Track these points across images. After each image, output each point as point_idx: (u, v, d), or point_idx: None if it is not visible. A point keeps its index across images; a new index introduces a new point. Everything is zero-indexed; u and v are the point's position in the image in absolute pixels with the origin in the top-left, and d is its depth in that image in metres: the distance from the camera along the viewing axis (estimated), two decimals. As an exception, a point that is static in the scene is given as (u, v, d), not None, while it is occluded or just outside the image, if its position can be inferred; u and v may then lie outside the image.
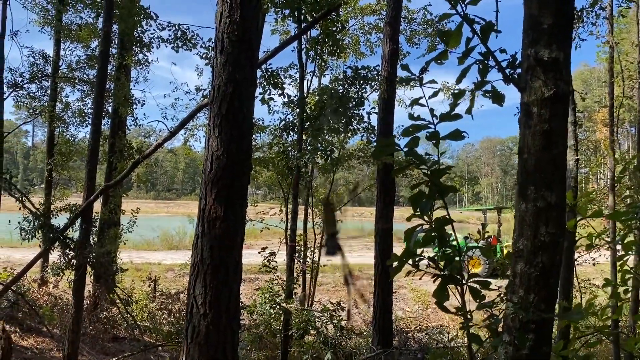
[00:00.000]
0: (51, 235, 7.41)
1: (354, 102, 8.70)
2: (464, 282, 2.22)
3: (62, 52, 13.34)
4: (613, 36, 9.74)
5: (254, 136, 10.56)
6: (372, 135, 9.18)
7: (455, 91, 2.28)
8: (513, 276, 2.08)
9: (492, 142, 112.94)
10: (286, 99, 9.17)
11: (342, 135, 9.53)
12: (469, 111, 2.29)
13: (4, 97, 9.74)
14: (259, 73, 8.43)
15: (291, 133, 9.47)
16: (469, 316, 2.21)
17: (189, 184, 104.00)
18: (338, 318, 8.49)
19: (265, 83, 8.86)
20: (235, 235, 4.04)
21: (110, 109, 12.41)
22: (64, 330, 8.41)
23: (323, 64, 11.38)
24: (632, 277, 3.07)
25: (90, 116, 9.99)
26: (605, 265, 14.24)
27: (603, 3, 9.15)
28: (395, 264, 2.19)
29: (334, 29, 8.85)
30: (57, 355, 8.26)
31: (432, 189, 2.14)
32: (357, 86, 8.82)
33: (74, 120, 13.42)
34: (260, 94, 8.79)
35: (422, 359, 9.57)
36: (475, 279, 2.25)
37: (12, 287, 8.64)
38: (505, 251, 15.22)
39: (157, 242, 25.23)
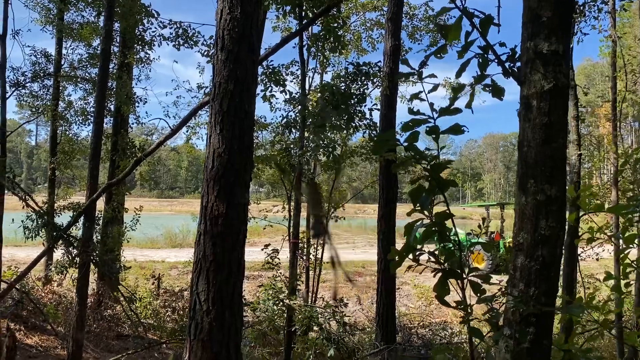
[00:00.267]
0: (54, 233, 7.45)
1: (355, 99, 8.68)
2: (464, 276, 2.21)
3: (64, 51, 13.35)
4: (616, 30, 9.70)
5: (255, 133, 10.59)
6: (374, 132, 9.15)
7: (455, 85, 2.27)
8: (513, 270, 2.08)
9: (495, 138, 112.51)
10: (288, 96, 9.16)
11: (344, 132, 9.50)
12: (468, 105, 2.28)
13: (7, 97, 9.75)
14: (260, 70, 8.42)
15: (293, 130, 9.45)
16: (469, 310, 2.21)
17: (192, 182, 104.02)
18: (341, 314, 8.50)
19: (266, 80, 8.84)
20: (237, 232, 4.04)
21: (112, 107, 12.44)
22: (68, 328, 8.43)
23: (324, 60, 11.34)
24: (635, 271, 3.07)
25: (93, 115, 10.00)
26: (609, 261, 14.22)
27: (605, -3, 9.08)
28: (396, 258, 2.19)
29: (335, 25, 8.81)
30: (61, 353, 8.28)
31: (432, 183, 2.14)
32: (359, 83, 8.79)
33: (77, 119, 13.44)
34: (261, 91, 8.77)
35: (425, 355, 9.59)
36: (476, 273, 2.24)
37: (17, 286, 8.68)
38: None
39: (161, 240, 25.30)
